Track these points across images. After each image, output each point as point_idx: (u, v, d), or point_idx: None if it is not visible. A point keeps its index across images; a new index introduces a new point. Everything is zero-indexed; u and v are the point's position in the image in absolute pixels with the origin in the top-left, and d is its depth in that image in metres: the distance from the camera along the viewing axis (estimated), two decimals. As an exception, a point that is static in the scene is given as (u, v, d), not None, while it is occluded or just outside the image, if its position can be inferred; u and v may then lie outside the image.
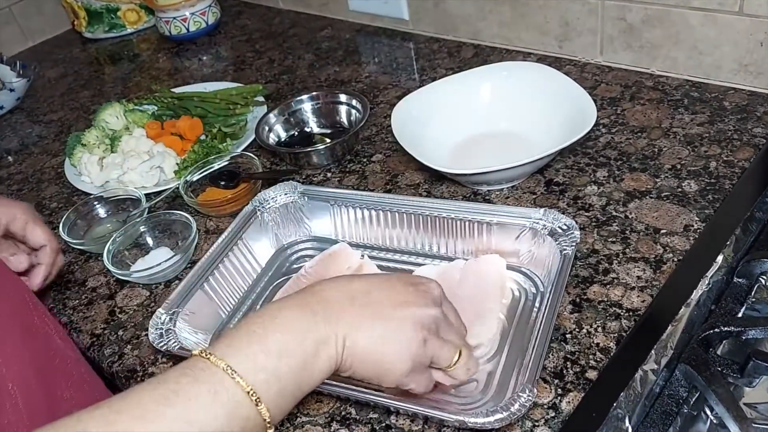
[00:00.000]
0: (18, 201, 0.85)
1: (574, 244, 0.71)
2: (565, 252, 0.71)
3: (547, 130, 0.90)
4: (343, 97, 1.06)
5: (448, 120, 0.96)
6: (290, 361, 0.49)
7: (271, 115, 1.06)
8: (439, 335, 0.55)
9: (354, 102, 1.04)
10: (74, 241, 0.91)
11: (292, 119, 1.07)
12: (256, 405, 0.47)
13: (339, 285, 0.55)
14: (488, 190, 0.88)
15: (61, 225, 0.93)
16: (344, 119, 1.06)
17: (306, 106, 1.07)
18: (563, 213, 0.75)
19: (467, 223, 0.77)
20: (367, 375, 0.54)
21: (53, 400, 0.66)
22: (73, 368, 0.72)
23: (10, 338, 0.65)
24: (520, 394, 0.58)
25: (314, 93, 1.08)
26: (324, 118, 1.08)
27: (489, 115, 0.97)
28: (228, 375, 0.47)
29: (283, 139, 1.06)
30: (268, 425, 0.48)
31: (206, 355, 0.48)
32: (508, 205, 0.85)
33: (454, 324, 0.58)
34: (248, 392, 0.47)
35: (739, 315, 0.68)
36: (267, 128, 1.05)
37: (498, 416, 0.57)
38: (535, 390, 0.58)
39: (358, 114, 1.03)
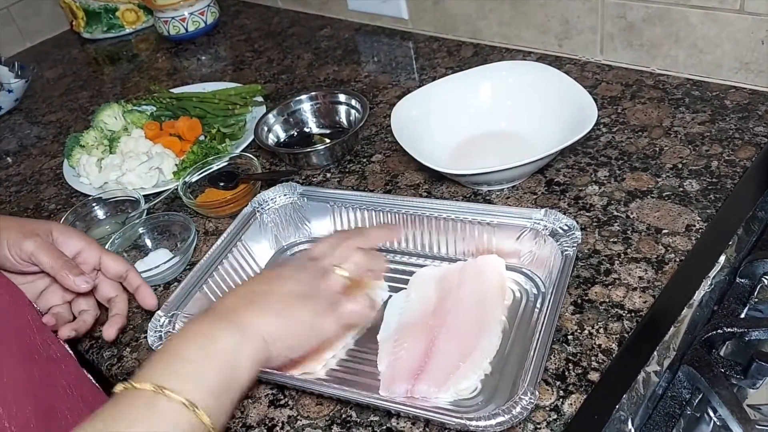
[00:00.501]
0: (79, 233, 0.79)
1: (575, 244, 0.70)
2: (566, 253, 0.70)
3: (548, 129, 0.90)
4: (342, 97, 1.05)
5: (448, 120, 0.95)
6: (212, 365, 0.53)
7: (270, 115, 1.06)
8: (344, 299, 0.62)
9: (353, 102, 1.04)
10: (73, 243, 0.91)
11: (291, 119, 1.07)
12: (194, 412, 0.50)
13: (234, 294, 0.61)
14: (489, 191, 0.87)
15: (59, 227, 0.92)
16: (344, 119, 1.06)
17: (305, 106, 1.07)
18: (564, 213, 0.75)
19: (468, 224, 0.77)
20: (301, 347, 0.61)
21: (51, 425, 0.64)
22: (74, 389, 0.70)
23: (7, 362, 0.62)
24: (522, 396, 0.58)
25: (313, 93, 1.07)
26: (323, 118, 1.07)
27: (489, 115, 0.96)
28: (159, 393, 0.49)
29: (282, 140, 1.06)
30: (212, 429, 0.51)
31: (131, 386, 0.50)
32: (509, 205, 0.84)
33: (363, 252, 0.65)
34: (183, 403, 0.49)
35: (742, 316, 0.67)
36: (266, 129, 1.04)
37: (500, 419, 0.56)
38: (537, 393, 0.58)
39: (357, 114, 1.03)
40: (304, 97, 1.07)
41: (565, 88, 0.90)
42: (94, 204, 0.97)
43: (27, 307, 0.71)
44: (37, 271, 0.74)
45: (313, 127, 1.07)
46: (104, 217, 0.97)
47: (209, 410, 0.50)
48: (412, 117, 0.93)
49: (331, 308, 0.61)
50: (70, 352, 0.73)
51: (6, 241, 0.72)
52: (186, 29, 1.45)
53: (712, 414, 0.61)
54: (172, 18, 1.44)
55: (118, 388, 0.51)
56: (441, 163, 0.88)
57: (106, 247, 0.86)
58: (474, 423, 0.57)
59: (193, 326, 0.56)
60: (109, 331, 0.76)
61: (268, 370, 0.69)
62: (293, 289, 0.60)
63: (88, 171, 1.05)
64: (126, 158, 1.04)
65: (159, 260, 0.85)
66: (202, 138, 1.09)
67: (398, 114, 0.92)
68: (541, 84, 0.93)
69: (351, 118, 1.04)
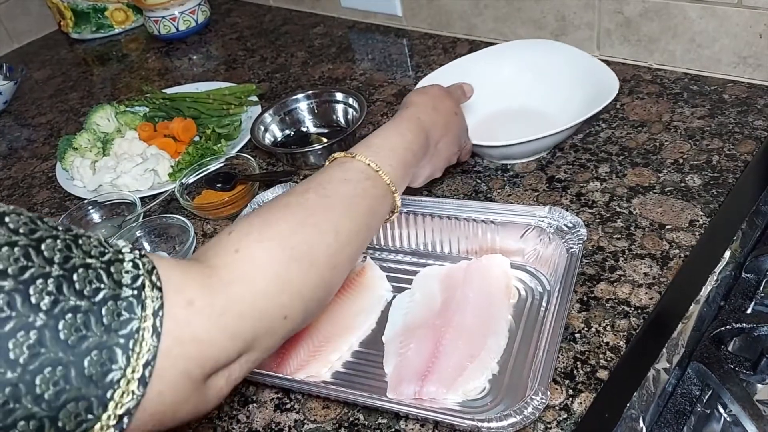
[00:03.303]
0: None
1: (581, 242, 0.70)
2: (572, 250, 0.70)
3: (567, 104, 0.92)
4: (339, 96, 1.04)
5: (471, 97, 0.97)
6: (408, 164, 0.66)
7: (266, 114, 1.04)
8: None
9: (351, 100, 1.03)
10: (69, 248, 0.89)
11: (287, 119, 1.06)
12: (394, 194, 0.62)
13: (422, 106, 0.72)
14: (510, 164, 0.90)
15: (54, 231, 0.91)
16: (341, 118, 1.05)
17: (302, 105, 1.06)
18: (566, 210, 0.74)
19: (471, 223, 0.76)
20: (441, 169, 0.76)
21: None
22: None
23: None
24: (533, 397, 0.57)
25: (310, 92, 1.06)
26: (320, 118, 1.06)
27: (508, 92, 0.98)
28: (379, 174, 0.61)
29: (279, 139, 1.05)
30: (397, 209, 0.64)
31: (352, 155, 0.62)
32: (511, 202, 0.84)
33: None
34: (389, 183, 0.61)
35: (749, 311, 0.67)
36: (262, 128, 1.03)
37: (512, 420, 0.56)
38: (549, 393, 0.57)
39: (355, 112, 1.02)
40: (300, 95, 1.06)
41: (583, 64, 0.92)
42: (89, 207, 0.96)
43: None
44: None
45: (310, 126, 1.06)
46: (100, 220, 0.96)
47: (399, 198, 0.63)
48: None
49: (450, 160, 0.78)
50: None
51: None
52: (177, 28, 1.44)
53: (722, 410, 0.61)
54: (163, 17, 1.42)
55: (340, 155, 0.63)
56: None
57: (104, 251, 0.84)
58: (486, 424, 0.56)
59: (402, 126, 0.68)
60: None
61: (271, 373, 0.68)
62: (458, 131, 0.77)
63: (82, 174, 1.03)
64: (120, 160, 1.03)
65: (157, 263, 0.84)
66: (197, 139, 1.08)
67: None
68: (559, 60, 0.95)
69: (348, 116, 1.04)
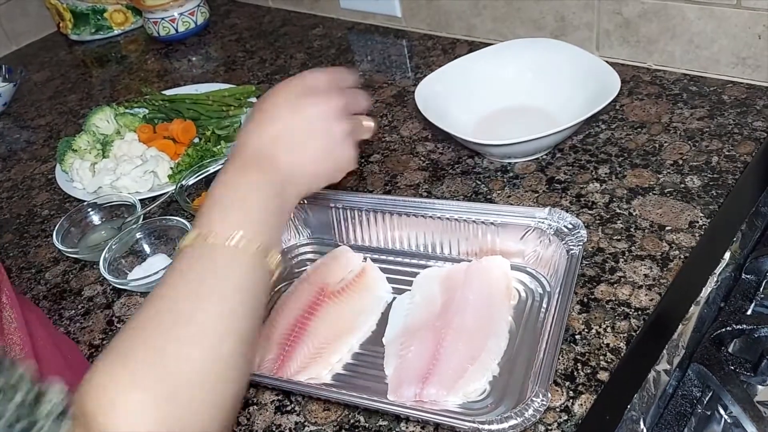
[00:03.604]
0: None
1: (581, 243, 0.70)
2: (572, 252, 0.70)
3: (568, 103, 0.92)
4: None
5: (471, 95, 0.98)
6: (271, 212, 0.55)
7: (265, 116, 1.04)
8: (350, 113, 0.61)
9: None
10: (68, 250, 0.89)
11: (287, 120, 1.05)
12: (266, 257, 0.52)
13: (257, 138, 0.58)
14: (511, 163, 0.90)
15: (54, 233, 0.91)
16: (340, 119, 1.04)
17: None
18: (566, 211, 0.74)
19: (471, 224, 0.76)
20: (328, 182, 0.62)
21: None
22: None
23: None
24: (534, 398, 0.57)
25: None
26: (320, 119, 1.06)
27: (509, 91, 0.98)
28: (235, 243, 0.51)
29: (278, 141, 1.04)
30: (277, 267, 0.54)
31: (203, 239, 0.51)
32: (511, 204, 0.84)
33: (348, 90, 0.63)
34: (258, 248, 0.51)
35: (749, 312, 0.67)
36: (262, 130, 1.03)
37: (512, 422, 0.56)
38: (549, 394, 0.57)
39: None
40: None
41: (584, 63, 0.92)
42: (89, 209, 0.96)
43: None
44: None
45: (309, 127, 1.06)
46: (100, 222, 0.96)
47: (273, 255, 0.53)
48: (436, 93, 0.95)
49: (350, 144, 0.62)
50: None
51: None
52: (176, 30, 1.43)
53: (722, 412, 0.61)
54: (162, 19, 1.42)
55: (186, 243, 0.52)
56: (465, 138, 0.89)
57: (104, 253, 0.85)
58: (487, 426, 0.56)
59: (242, 175, 0.56)
60: None
61: (271, 375, 0.68)
62: (319, 127, 0.59)
63: (82, 176, 1.03)
64: (120, 162, 1.02)
65: (157, 266, 0.84)
66: (196, 140, 1.08)
67: (422, 91, 0.94)
68: (560, 59, 0.95)
69: (348, 118, 1.03)
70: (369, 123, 0.65)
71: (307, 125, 0.59)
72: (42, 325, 0.71)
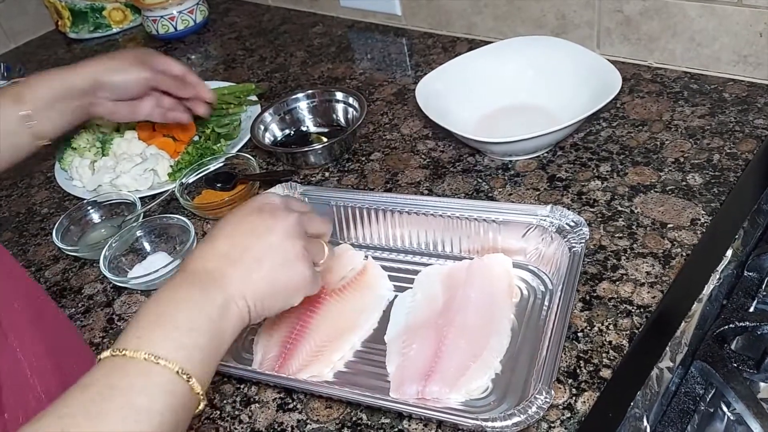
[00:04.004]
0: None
1: (583, 241, 0.70)
2: (574, 249, 0.70)
3: (569, 101, 0.92)
4: (339, 95, 1.04)
5: (471, 93, 0.97)
6: (202, 333, 0.51)
7: (266, 114, 1.04)
8: (308, 234, 0.60)
9: (351, 100, 1.03)
10: (68, 248, 0.89)
11: (287, 118, 1.06)
12: (188, 381, 0.49)
13: (206, 254, 0.56)
14: (512, 161, 0.90)
15: (54, 231, 0.90)
16: (341, 117, 1.04)
17: (302, 105, 1.06)
18: (568, 209, 0.74)
19: (473, 222, 0.76)
20: (283, 305, 0.59)
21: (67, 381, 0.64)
22: (80, 346, 0.70)
23: (24, 322, 0.61)
24: (537, 396, 0.57)
25: (310, 91, 1.06)
26: (320, 117, 1.06)
27: (510, 89, 0.98)
28: (152, 362, 0.48)
29: (279, 139, 1.04)
30: (201, 398, 0.50)
31: (120, 353, 0.48)
32: (512, 201, 0.84)
33: (304, 212, 0.62)
34: (177, 372, 0.48)
35: (751, 309, 0.67)
36: (263, 128, 1.03)
37: (516, 419, 0.56)
38: (552, 392, 0.57)
39: (355, 112, 1.02)
40: (300, 95, 1.06)
41: (585, 61, 0.92)
42: (88, 207, 0.95)
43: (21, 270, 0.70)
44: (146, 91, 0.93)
45: (310, 125, 1.06)
46: (99, 220, 0.95)
47: (200, 378, 0.50)
48: (437, 91, 0.95)
49: (308, 265, 0.59)
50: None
51: (129, 74, 0.90)
52: (175, 28, 1.43)
53: (725, 409, 0.61)
54: (161, 17, 1.42)
55: (106, 354, 0.49)
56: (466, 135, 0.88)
57: (104, 251, 0.84)
58: (490, 424, 0.56)
59: (179, 291, 0.53)
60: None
61: (275, 373, 0.68)
62: (273, 244, 0.57)
63: (81, 174, 1.03)
64: (119, 160, 1.02)
65: (158, 264, 0.84)
66: (196, 138, 1.08)
67: (423, 89, 0.94)
68: (561, 57, 0.95)
69: (348, 116, 1.03)
70: (326, 247, 0.63)
71: (259, 242, 0.56)
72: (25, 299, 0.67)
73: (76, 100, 0.89)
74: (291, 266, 0.58)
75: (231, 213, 0.59)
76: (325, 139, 1.01)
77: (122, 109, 0.94)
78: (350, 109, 1.03)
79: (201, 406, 0.51)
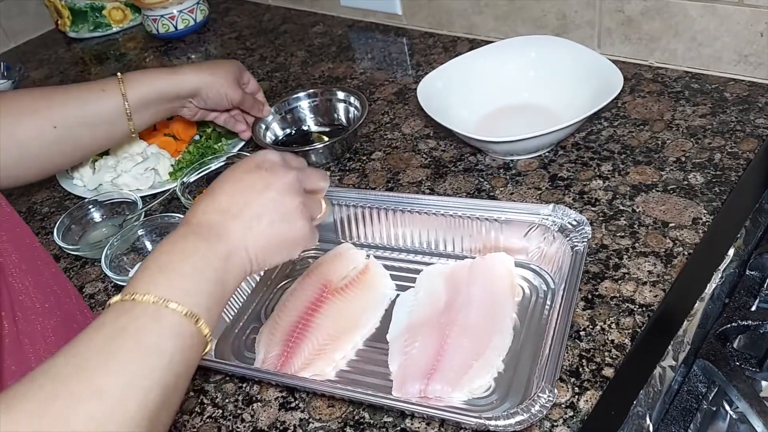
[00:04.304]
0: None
1: (585, 240, 0.70)
2: (576, 248, 0.70)
3: (571, 100, 0.92)
4: (340, 94, 1.04)
5: (472, 93, 0.97)
6: (207, 281, 0.53)
7: (267, 113, 1.04)
8: (305, 190, 0.62)
9: (352, 99, 1.03)
10: (69, 247, 0.89)
11: (288, 117, 1.06)
12: (196, 323, 0.50)
13: (207, 208, 0.57)
14: (513, 161, 0.90)
15: (55, 230, 0.90)
16: (342, 117, 1.04)
17: (303, 104, 1.06)
18: (570, 208, 0.74)
19: (475, 221, 0.76)
20: (283, 259, 0.60)
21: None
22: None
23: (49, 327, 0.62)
24: (540, 394, 0.57)
25: (311, 90, 1.06)
26: (321, 116, 1.06)
27: (511, 88, 0.98)
28: (162, 306, 0.49)
29: (280, 138, 1.04)
30: (209, 339, 0.52)
31: (130, 298, 0.49)
32: (514, 200, 0.84)
33: (302, 168, 0.63)
34: (185, 314, 0.50)
35: (753, 308, 0.67)
36: (264, 127, 1.03)
37: (519, 418, 0.56)
38: (556, 390, 0.57)
39: (356, 111, 1.02)
40: (301, 94, 1.06)
41: (586, 60, 0.92)
42: (90, 206, 0.95)
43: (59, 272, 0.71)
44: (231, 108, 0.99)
45: (311, 125, 1.06)
46: (101, 219, 0.95)
47: (207, 322, 0.51)
48: (438, 90, 0.95)
49: (306, 220, 0.61)
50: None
51: (225, 93, 0.95)
52: (175, 27, 1.43)
53: (728, 407, 0.61)
54: (161, 16, 1.42)
55: (115, 299, 0.50)
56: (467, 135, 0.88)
57: (105, 250, 0.84)
58: (493, 422, 0.56)
59: (183, 242, 0.54)
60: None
61: (277, 372, 0.68)
62: (272, 199, 0.58)
63: (82, 173, 1.03)
64: (120, 159, 1.02)
65: (159, 263, 0.83)
66: (197, 138, 1.08)
67: (424, 88, 0.94)
68: (562, 57, 0.95)
69: (350, 115, 1.03)
70: (324, 203, 0.65)
71: (258, 198, 0.58)
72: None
73: (172, 102, 0.94)
74: (289, 221, 0.59)
75: (230, 169, 0.60)
76: (326, 139, 1.01)
77: (202, 114, 1.00)
78: (351, 109, 1.03)
79: (208, 347, 0.53)
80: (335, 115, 1.05)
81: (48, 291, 0.65)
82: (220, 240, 0.55)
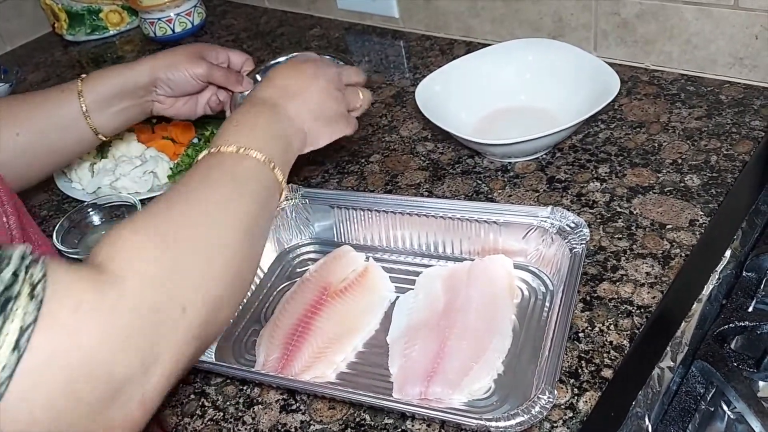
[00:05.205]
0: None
1: (583, 242, 0.70)
2: (575, 250, 0.70)
3: (568, 103, 0.93)
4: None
5: (470, 96, 0.98)
6: (278, 140, 0.65)
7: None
8: (344, 84, 0.76)
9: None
10: (69, 250, 0.89)
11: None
12: (273, 169, 0.61)
13: (269, 89, 0.70)
14: (511, 163, 0.91)
15: (54, 233, 0.90)
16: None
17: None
18: (568, 210, 0.75)
19: (474, 223, 0.77)
20: (326, 140, 0.73)
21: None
22: None
23: None
24: (540, 396, 0.57)
25: (294, 54, 1.04)
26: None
27: (509, 91, 0.99)
28: (243, 154, 0.60)
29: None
30: (283, 186, 0.63)
31: (216, 149, 0.60)
32: (512, 203, 0.84)
33: (340, 67, 0.78)
34: (264, 161, 0.60)
35: (750, 309, 0.68)
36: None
37: (519, 419, 0.56)
38: (556, 392, 0.58)
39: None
40: (282, 59, 1.03)
41: (583, 63, 0.93)
42: (89, 209, 0.95)
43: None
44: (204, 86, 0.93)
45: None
46: (100, 222, 0.95)
47: (281, 171, 0.63)
48: (436, 93, 0.95)
49: (345, 108, 0.75)
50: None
51: (186, 70, 0.88)
52: (173, 30, 1.43)
53: (726, 408, 0.61)
54: (159, 19, 1.42)
55: (203, 154, 0.60)
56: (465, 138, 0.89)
57: (105, 253, 0.84)
58: (494, 423, 0.56)
59: (253, 110, 0.67)
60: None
61: (278, 374, 0.68)
62: (320, 87, 0.72)
63: (81, 176, 1.03)
64: (119, 162, 1.02)
65: (159, 266, 0.83)
66: (195, 140, 1.08)
67: (422, 91, 0.95)
68: (559, 60, 0.96)
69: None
70: (360, 93, 0.78)
71: (310, 83, 0.71)
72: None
73: (134, 98, 0.88)
74: (333, 106, 0.72)
75: (283, 65, 0.75)
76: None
77: (182, 106, 0.93)
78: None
79: (282, 196, 0.63)
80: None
81: None
82: (282, 110, 0.67)
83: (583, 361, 0.65)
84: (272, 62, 0.95)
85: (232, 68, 0.94)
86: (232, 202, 0.56)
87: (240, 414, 0.68)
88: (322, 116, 0.71)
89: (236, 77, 0.93)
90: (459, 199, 0.87)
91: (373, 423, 0.65)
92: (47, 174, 0.90)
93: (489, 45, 1.02)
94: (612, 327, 0.68)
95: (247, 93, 0.91)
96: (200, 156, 0.60)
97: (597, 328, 0.68)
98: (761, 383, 0.63)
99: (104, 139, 0.88)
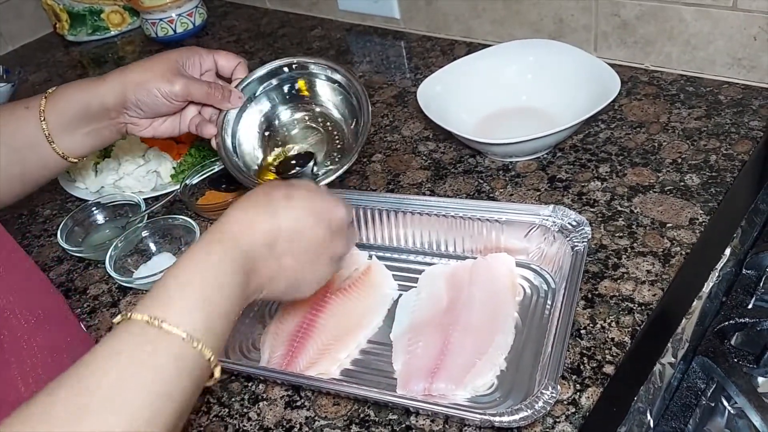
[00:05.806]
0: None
1: (585, 240, 0.71)
2: (576, 248, 0.71)
3: (569, 103, 0.93)
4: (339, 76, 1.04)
5: (471, 96, 0.99)
6: (220, 307, 0.51)
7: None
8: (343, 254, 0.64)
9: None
10: (73, 249, 0.90)
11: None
12: (198, 348, 0.48)
13: (264, 235, 0.56)
14: (512, 162, 0.92)
15: (58, 232, 0.91)
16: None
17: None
18: (569, 209, 0.76)
19: (476, 222, 0.77)
20: (302, 295, 0.62)
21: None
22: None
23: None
24: (544, 391, 0.58)
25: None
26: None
27: (510, 91, 1.00)
28: (155, 326, 0.47)
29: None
30: (213, 364, 0.50)
31: (128, 316, 0.48)
32: (514, 202, 0.85)
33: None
34: (185, 338, 0.47)
35: (750, 306, 0.69)
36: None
37: (523, 414, 0.57)
38: (559, 387, 0.58)
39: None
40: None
41: (584, 64, 0.94)
42: (93, 208, 0.96)
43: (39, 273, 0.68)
44: (184, 105, 0.79)
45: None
46: (103, 221, 0.96)
47: (210, 346, 0.49)
48: (437, 93, 0.96)
49: (332, 270, 0.64)
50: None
51: (158, 90, 0.75)
52: (174, 31, 1.44)
53: (726, 403, 0.62)
54: (160, 20, 1.42)
55: (117, 319, 0.49)
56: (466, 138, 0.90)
57: (109, 252, 0.85)
58: (498, 419, 0.57)
59: (221, 268, 0.53)
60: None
61: (283, 371, 0.69)
62: (317, 271, 0.62)
63: (84, 175, 1.03)
64: (122, 162, 1.03)
65: (163, 265, 0.84)
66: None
67: (424, 91, 0.95)
68: (560, 60, 0.96)
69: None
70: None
71: (308, 265, 0.60)
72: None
73: (102, 120, 0.77)
74: (312, 281, 0.62)
75: (309, 204, 0.60)
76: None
77: (160, 126, 0.81)
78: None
79: (213, 378, 0.51)
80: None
81: (35, 304, 0.63)
82: (246, 274, 0.54)
83: (585, 358, 0.66)
84: (248, 80, 0.85)
85: (221, 75, 0.84)
86: (129, 394, 0.44)
87: (245, 410, 0.69)
88: (293, 293, 0.61)
89: (221, 92, 0.79)
90: (461, 197, 0.88)
91: (377, 419, 0.65)
92: (34, 188, 0.82)
93: (489, 46, 1.03)
94: (613, 324, 0.68)
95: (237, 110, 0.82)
96: (115, 320, 0.49)
97: (599, 325, 0.69)
98: (761, 379, 0.64)
99: (75, 161, 0.80)
